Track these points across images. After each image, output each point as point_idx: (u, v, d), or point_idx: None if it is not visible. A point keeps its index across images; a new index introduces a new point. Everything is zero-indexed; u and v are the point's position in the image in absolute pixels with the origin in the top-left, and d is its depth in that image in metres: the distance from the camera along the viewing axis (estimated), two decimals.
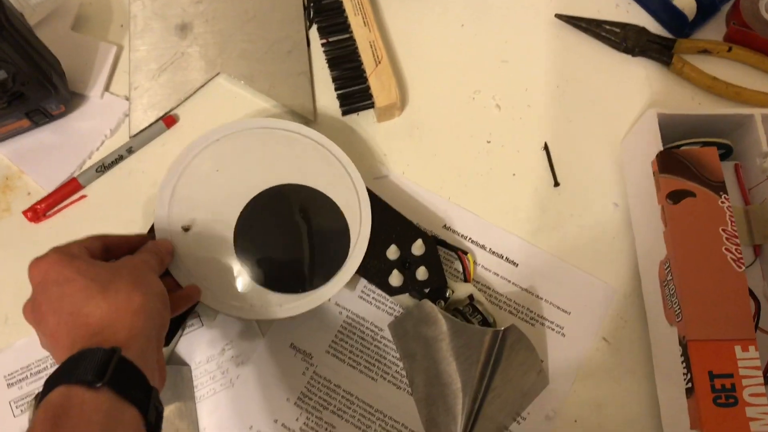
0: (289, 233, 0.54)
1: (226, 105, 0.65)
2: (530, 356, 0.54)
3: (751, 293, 0.53)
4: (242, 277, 0.53)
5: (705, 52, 0.66)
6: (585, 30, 0.68)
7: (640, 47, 0.66)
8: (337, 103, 0.64)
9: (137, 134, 0.63)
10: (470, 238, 0.61)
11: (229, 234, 0.54)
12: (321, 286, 0.53)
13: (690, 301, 0.51)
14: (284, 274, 0.53)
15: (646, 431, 0.56)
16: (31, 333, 0.56)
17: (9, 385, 0.56)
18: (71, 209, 0.62)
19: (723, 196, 0.53)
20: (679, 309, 0.52)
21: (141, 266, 0.46)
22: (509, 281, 0.60)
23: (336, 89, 0.64)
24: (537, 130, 0.64)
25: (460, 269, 0.59)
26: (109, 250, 0.49)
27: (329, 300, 0.57)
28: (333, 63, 0.65)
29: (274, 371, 0.57)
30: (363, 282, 0.59)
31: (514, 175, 0.63)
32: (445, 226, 0.61)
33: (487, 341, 0.51)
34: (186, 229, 0.54)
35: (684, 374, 0.51)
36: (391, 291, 0.54)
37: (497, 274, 0.60)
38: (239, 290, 0.52)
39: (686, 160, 0.55)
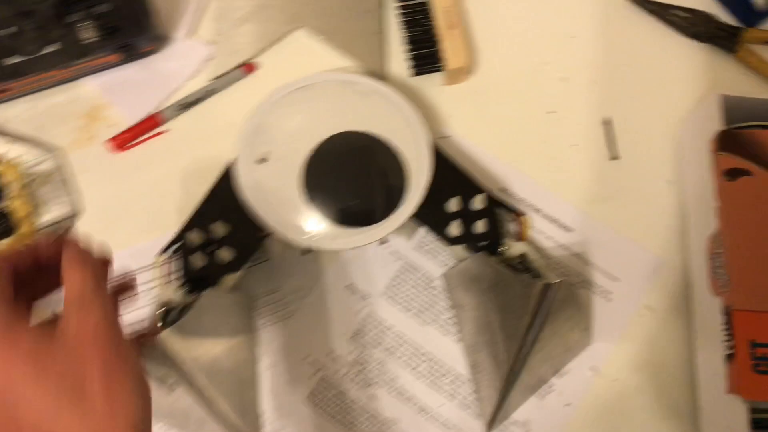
0: (353, 174, 0.57)
1: (302, 58, 0.68)
2: (577, 313, 0.56)
3: None
4: (307, 210, 0.56)
5: None
6: (654, 13, 0.69)
7: (707, 34, 0.68)
8: (406, 64, 0.67)
9: (218, 78, 0.67)
10: (526, 201, 0.64)
11: (299, 169, 0.57)
12: (378, 223, 0.56)
13: (738, 273, 0.53)
14: (346, 209, 0.56)
15: (682, 394, 0.58)
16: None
17: None
18: (152, 142, 0.65)
19: None
20: (726, 280, 0.54)
21: (104, 333, 0.35)
22: (561, 245, 0.62)
23: (408, 51, 0.67)
24: (600, 105, 0.67)
25: (515, 230, 0.61)
26: (21, 280, 0.37)
27: (385, 243, 0.60)
28: (407, 25, 0.68)
29: (331, 308, 0.60)
30: (420, 234, 0.62)
31: (574, 145, 0.65)
32: (502, 188, 0.64)
33: (537, 293, 0.53)
34: (262, 160, 0.57)
35: (725, 341, 0.53)
36: (449, 241, 0.57)
37: (550, 238, 0.63)
38: (304, 221, 0.56)
39: (745, 140, 0.57)
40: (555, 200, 0.63)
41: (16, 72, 0.62)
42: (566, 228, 0.63)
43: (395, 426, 0.57)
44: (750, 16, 0.68)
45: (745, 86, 0.66)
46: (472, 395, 0.58)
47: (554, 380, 0.59)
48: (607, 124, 0.66)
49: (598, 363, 0.59)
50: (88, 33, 0.58)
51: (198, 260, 0.56)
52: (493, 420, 0.57)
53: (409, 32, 0.67)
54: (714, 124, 0.58)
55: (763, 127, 0.58)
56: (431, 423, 0.58)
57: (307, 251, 0.60)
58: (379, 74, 0.66)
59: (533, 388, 0.58)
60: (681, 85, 0.67)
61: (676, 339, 0.60)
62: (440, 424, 0.58)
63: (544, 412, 0.58)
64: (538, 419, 0.58)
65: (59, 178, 0.64)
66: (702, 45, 0.69)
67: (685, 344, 0.59)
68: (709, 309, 0.56)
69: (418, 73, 0.67)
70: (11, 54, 0.60)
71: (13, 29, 0.57)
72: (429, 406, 0.58)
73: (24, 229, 0.61)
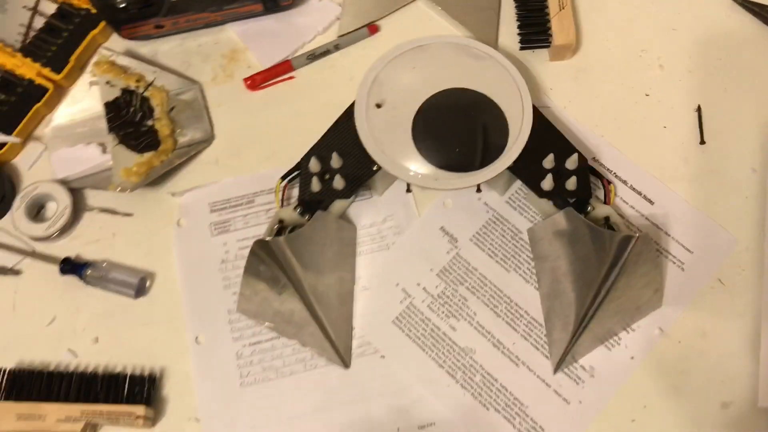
0: (458, 125, 0.64)
1: (422, 25, 0.76)
2: (653, 270, 0.61)
3: None
4: (414, 152, 0.63)
5: None
6: (756, 14, 0.74)
7: None
8: (516, 39, 0.73)
9: (344, 35, 0.75)
10: (615, 173, 0.69)
11: (411, 116, 0.64)
12: (477, 170, 0.62)
13: None
14: (449, 155, 0.63)
15: (742, 364, 0.62)
16: (236, 173, 0.69)
17: (211, 211, 0.69)
18: (281, 86, 0.74)
19: None
20: None
21: None
22: (643, 215, 0.67)
23: (519, 26, 0.73)
24: (693, 93, 0.71)
25: (602, 196, 0.66)
26: None
27: (480, 192, 0.67)
28: (521, 4, 0.74)
29: (423, 245, 0.67)
30: (512, 190, 0.68)
31: (664, 127, 0.70)
32: (594, 158, 0.69)
33: (616, 244, 0.59)
34: (378, 105, 0.64)
35: None
36: (541, 193, 0.63)
37: (633, 207, 0.67)
38: (410, 162, 0.62)
39: None
40: (642, 174, 0.68)
41: (174, 9, 0.71)
42: (649, 200, 0.68)
43: (471, 355, 0.63)
44: None
45: None
46: (544, 338, 0.63)
47: (623, 334, 0.63)
48: (698, 111, 0.70)
49: (665, 325, 0.63)
50: None
51: (315, 185, 0.64)
52: (561, 361, 0.62)
53: (522, 9, 0.73)
54: None
55: None
56: (504, 357, 0.63)
57: (409, 189, 0.67)
58: (492, 44, 0.73)
59: (602, 338, 0.63)
60: None
61: (743, 312, 0.63)
62: (512, 359, 0.63)
63: (610, 361, 0.63)
64: (603, 367, 0.63)
65: (198, 107, 0.73)
66: None
67: (750, 317, 0.63)
68: None
69: (526, 48, 0.73)
70: None
71: None
72: (503, 342, 0.64)
73: (165, 145, 0.70)
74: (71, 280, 0.66)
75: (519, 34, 0.73)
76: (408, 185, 0.66)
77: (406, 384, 0.63)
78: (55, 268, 0.66)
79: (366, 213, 0.68)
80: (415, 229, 0.67)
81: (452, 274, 0.66)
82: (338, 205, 0.66)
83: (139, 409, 0.61)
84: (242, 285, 0.62)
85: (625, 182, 0.68)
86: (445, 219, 0.68)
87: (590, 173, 0.64)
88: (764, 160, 0.68)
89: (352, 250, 0.67)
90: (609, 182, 0.66)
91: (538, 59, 0.73)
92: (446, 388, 0.62)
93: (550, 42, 0.71)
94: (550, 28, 0.71)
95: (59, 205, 0.68)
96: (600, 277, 0.60)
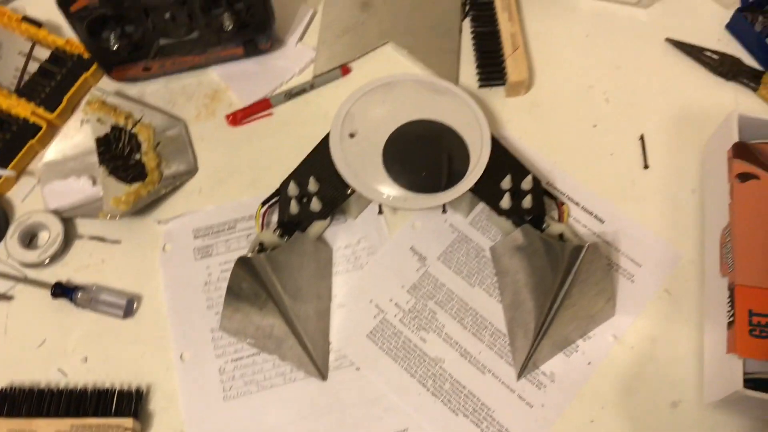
0: (424, 152, 0.70)
1: (389, 66, 0.83)
2: (603, 279, 0.67)
3: None
4: (385, 176, 0.68)
5: None
6: (688, 53, 0.82)
7: (734, 73, 0.80)
8: (475, 78, 0.80)
9: (318, 76, 0.82)
10: (567, 195, 0.75)
11: (381, 144, 0.70)
12: (442, 192, 0.68)
13: (742, 255, 0.63)
14: (416, 178, 0.68)
15: (689, 366, 0.67)
16: (218, 202, 0.74)
17: (195, 237, 0.74)
18: (261, 122, 0.80)
19: None
20: (732, 262, 0.64)
21: None
22: (594, 233, 0.73)
23: (477, 66, 0.81)
24: (636, 124, 0.78)
25: (557, 216, 0.72)
26: None
27: (446, 213, 0.72)
28: (478, 45, 0.81)
29: (394, 264, 0.72)
30: (474, 212, 0.74)
31: (611, 154, 0.77)
32: (548, 183, 0.76)
33: (569, 253, 0.64)
34: (351, 135, 0.70)
35: (728, 311, 0.63)
36: (500, 212, 0.69)
37: (585, 226, 0.74)
38: (381, 185, 0.68)
39: (756, 151, 0.68)
40: (592, 196, 0.75)
41: (161, 52, 0.77)
42: (600, 219, 0.74)
43: (440, 364, 0.68)
44: None
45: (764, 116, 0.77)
46: (507, 347, 0.68)
47: (580, 342, 0.68)
48: (642, 139, 0.77)
49: (618, 332, 0.69)
50: (226, 24, 0.73)
51: (293, 207, 0.69)
52: (524, 368, 0.67)
53: (480, 51, 0.81)
54: (733, 137, 0.69)
55: None
56: (471, 365, 0.68)
57: (381, 211, 0.73)
58: (453, 83, 0.80)
59: (560, 346, 0.68)
60: (709, 113, 0.79)
61: (688, 318, 0.69)
62: (478, 367, 0.68)
63: (569, 367, 0.68)
64: (562, 373, 0.67)
65: (183, 142, 0.78)
66: (729, 83, 0.81)
67: (694, 322, 0.69)
68: (718, 287, 0.66)
69: (484, 85, 0.80)
70: (162, 36, 0.75)
71: (169, 15, 0.72)
72: (470, 351, 0.68)
73: (152, 177, 0.75)
74: (62, 303, 0.70)
75: (477, 73, 0.80)
76: (380, 207, 0.71)
77: (381, 393, 0.67)
78: (46, 293, 0.70)
79: (341, 235, 0.74)
80: (387, 250, 0.73)
81: (422, 290, 0.71)
82: (315, 227, 0.71)
83: (127, 422, 0.64)
84: (224, 304, 0.66)
85: (577, 204, 0.75)
86: (415, 239, 0.73)
87: (544, 194, 0.71)
88: (702, 181, 0.75)
89: (328, 270, 0.72)
90: (562, 203, 0.72)
91: (495, 96, 0.80)
92: (418, 396, 0.67)
93: (506, 80, 0.79)
94: (505, 68, 0.79)
95: (51, 233, 0.72)
96: (555, 286, 0.65)
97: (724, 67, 0.80)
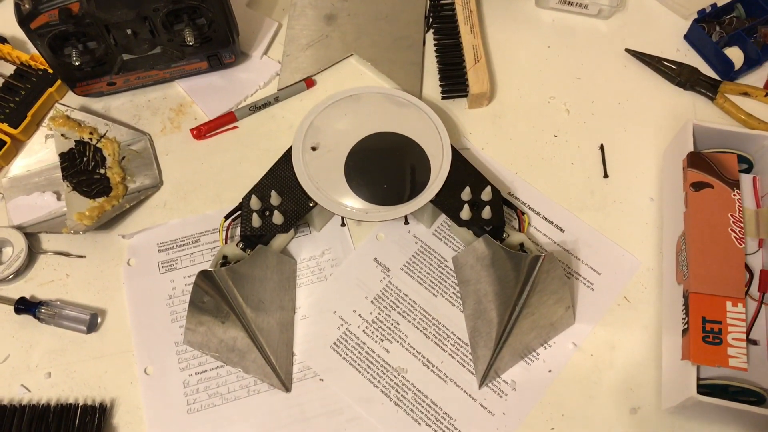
0: (386, 164, 0.71)
1: (354, 79, 0.83)
2: (562, 287, 0.68)
3: (747, 268, 0.65)
4: (347, 189, 0.69)
5: (745, 94, 0.81)
6: (647, 64, 0.83)
7: (691, 83, 0.81)
8: (438, 90, 0.81)
9: (283, 89, 0.82)
10: (528, 205, 0.76)
11: (344, 157, 0.71)
12: (404, 203, 0.69)
13: (696, 263, 0.65)
14: (378, 190, 0.69)
15: (647, 372, 0.68)
16: (182, 215, 0.74)
17: (159, 251, 0.74)
18: (225, 135, 0.80)
19: (735, 191, 0.67)
20: (686, 270, 0.65)
21: None
22: (554, 242, 0.74)
23: (440, 78, 0.82)
24: (596, 133, 0.80)
25: (517, 225, 0.73)
26: None
27: (407, 224, 0.73)
28: (441, 58, 0.82)
29: (358, 275, 0.73)
30: (437, 223, 0.75)
31: (572, 164, 0.78)
32: (509, 192, 0.77)
33: (527, 263, 0.65)
34: (314, 148, 0.71)
35: (683, 319, 0.64)
36: (460, 222, 0.70)
37: (546, 235, 0.75)
38: (344, 198, 0.69)
39: (710, 160, 0.69)
40: (553, 206, 0.76)
41: (125, 67, 0.77)
42: (560, 229, 0.75)
43: (403, 374, 0.69)
44: (729, 71, 0.81)
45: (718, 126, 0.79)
46: (469, 356, 0.69)
47: (540, 350, 0.69)
48: (601, 148, 0.79)
49: (578, 340, 0.70)
50: (188, 39, 0.74)
51: (255, 221, 0.69)
52: (485, 376, 0.68)
53: (442, 64, 0.82)
54: (688, 146, 0.70)
55: (725, 152, 0.71)
56: (433, 375, 0.69)
57: (344, 223, 0.73)
58: (417, 95, 0.81)
59: (521, 354, 0.69)
60: (667, 122, 0.80)
61: (647, 325, 0.70)
62: (441, 377, 0.68)
63: (530, 375, 0.69)
64: (524, 380, 0.68)
65: (148, 156, 0.79)
66: (687, 92, 0.82)
67: (653, 329, 0.70)
68: (674, 294, 0.67)
69: (447, 97, 0.81)
70: (125, 52, 0.76)
71: (130, 31, 0.73)
72: (432, 361, 0.69)
73: (116, 191, 0.75)
74: (26, 319, 0.70)
75: (440, 85, 0.81)
76: (342, 219, 0.72)
77: (344, 404, 0.67)
78: (10, 309, 0.70)
79: (305, 247, 0.74)
80: (350, 261, 0.73)
81: (385, 301, 0.72)
82: (279, 240, 0.71)
83: None
84: (188, 318, 0.67)
85: (538, 213, 0.76)
86: (378, 251, 0.74)
87: (504, 204, 0.71)
88: (660, 190, 0.76)
89: (292, 282, 0.72)
90: (522, 212, 0.73)
91: (458, 107, 0.81)
92: (381, 406, 0.67)
93: (468, 91, 0.80)
94: (467, 80, 0.80)
95: (15, 249, 0.72)
96: (515, 295, 0.66)
97: (682, 77, 0.82)
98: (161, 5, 0.70)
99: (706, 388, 0.61)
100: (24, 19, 0.68)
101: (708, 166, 0.69)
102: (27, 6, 0.67)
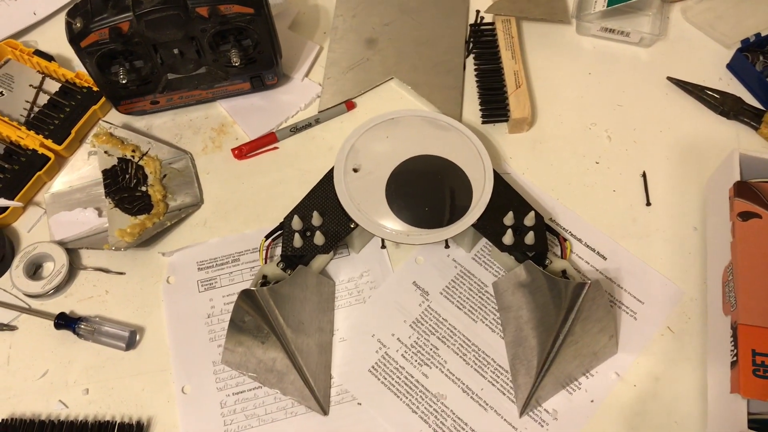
0: (426, 186, 0.70)
1: (393, 102, 0.84)
2: (606, 317, 0.67)
3: None
4: (388, 211, 0.69)
5: None
6: (690, 92, 0.83)
7: (735, 112, 0.81)
8: (478, 114, 0.81)
9: (324, 111, 0.83)
10: (570, 231, 0.75)
11: (385, 179, 0.71)
12: (445, 227, 0.68)
13: (745, 294, 0.63)
14: (419, 213, 0.69)
15: (693, 404, 0.67)
16: (222, 234, 0.75)
17: (199, 269, 0.74)
18: (266, 155, 0.81)
19: None
20: (734, 301, 0.64)
21: None
22: (597, 270, 0.73)
23: (480, 102, 0.82)
24: (638, 161, 0.79)
25: (559, 252, 0.73)
26: None
27: (448, 248, 0.73)
28: (481, 82, 0.83)
29: (397, 298, 0.72)
30: (477, 247, 0.74)
31: (614, 191, 0.78)
32: (551, 219, 0.76)
33: (571, 290, 0.64)
34: (355, 170, 0.71)
35: (731, 351, 0.63)
36: (503, 248, 0.69)
37: (588, 263, 0.74)
38: (384, 220, 0.68)
39: (758, 190, 0.68)
40: (595, 233, 0.75)
41: (169, 86, 0.78)
42: (602, 256, 0.74)
43: (442, 401, 0.68)
44: None
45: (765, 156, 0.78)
46: (510, 384, 0.68)
47: (582, 379, 0.68)
48: (644, 176, 0.78)
49: (621, 370, 0.69)
50: (234, 60, 0.74)
51: (297, 241, 0.69)
52: (526, 405, 0.67)
53: (483, 88, 0.82)
54: (734, 176, 0.69)
55: None
56: (473, 402, 0.68)
57: (384, 245, 0.73)
58: (457, 119, 0.80)
59: (563, 383, 0.68)
60: (710, 151, 0.79)
61: (691, 356, 0.69)
62: (481, 404, 0.67)
63: (572, 405, 0.67)
64: (565, 410, 0.67)
65: (189, 174, 0.79)
66: (730, 122, 0.81)
67: (698, 360, 0.68)
68: (721, 326, 0.66)
69: (487, 122, 0.81)
70: (170, 71, 0.77)
71: (177, 50, 0.74)
72: (472, 388, 0.68)
73: (158, 209, 0.75)
74: (65, 334, 0.70)
75: (481, 109, 0.81)
76: (382, 241, 0.72)
77: (382, 429, 0.67)
78: (49, 324, 0.70)
79: (344, 269, 0.74)
80: (389, 284, 0.73)
81: (424, 325, 0.71)
82: (318, 261, 0.71)
83: None
84: (227, 337, 0.66)
85: (580, 240, 0.75)
86: (417, 274, 0.73)
87: (547, 230, 0.71)
88: (704, 219, 0.75)
89: (331, 304, 0.72)
90: (564, 239, 0.73)
91: (498, 132, 0.81)
92: None
93: (509, 116, 0.79)
94: (508, 104, 0.80)
95: (56, 264, 0.72)
96: (558, 323, 0.65)
97: (725, 106, 0.81)
98: (209, 26, 0.71)
99: (755, 423, 0.60)
100: (75, 38, 0.69)
101: (755, 195, 0.68)
102: (78, 25, 0.68)
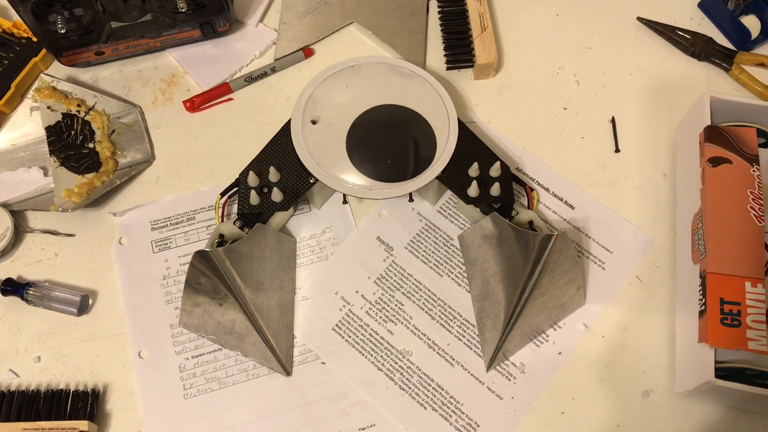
0: (390, 139, 0.67)
1: (354, 48, 0.80)
2: (573, 268, 0.65)
3: (767, 247, 0.63)
4: (349, 165, 0.66)
5: (762, 65, 0.77)
6: (660, 33, 0.80)
7: (706, 53, 0.78)
8: (442, 60, 0.78)
9: (280, 58, 0.78)
10: (537, 181, 0.73)
11: (345, 131, 0.67)
12: (408, 180, 0.66)
13: (714, 242, 0.62)
14: (382, 166, 0.66)
15: (661, 354, 0.66)
16: (176, 192, 0.71)
17: (152, 229, 0.71)
18: (220, 107, 0.77)
19: (755, 166, 0.64)
20: (704, 249, 0.62)
21: None
22: (564, 219, 0.71)
23: (444, 48, 0.78)
24: (607, 106, 0.77)
25: (525, 202, 0.71)
26: None
27: (412, 201, 0.70)
28: (445, 26, 0.79)
29: (361, 255, 0.70)
30: (442, 199, 0.72)
31: (582, 138, 0.75)
32: (518, 168, 0.74)
33: (538, 242, 0.63)
34: (314, 122, 0.68)
35: (699, 300, 0.62)
36: (468, 200, 0.67)
37: (555, 213, 0.72)
38: (345, 174, 0.66)
39: (728, 134, 0.66)
40: (562, 181, 0.73)
41: (114, 36, 0.73)
42: (570, 206, 0.72)
43: (408, 357, 0.66)
44: (745, 41, 0.78)
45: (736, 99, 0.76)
46: (476, 338, 0.67)
47: (550, 331, 0.67)
48: (612, 122, 0.76)
49: (589, 321, 0.67)
50: (180, 5, 0.70)
51: (253, 198, 0.66)
52: (493, 359, 0.65)
53: (447, 32, 0.78)
54: (705, 120, 0.67)
55: (744, 125, 0.68)
56: (439, 357, 0.66)
57: (345, 201, 0.70)
58: (420, 65, 0.77)
59: (531, 336, 0.66)
60: (680, 94, 0.77)
61: (660, 306, 0.68)
62: (447, 359, 0.66)
63: (539, 357, 0.66)
64: (533, 363, 0.66)
65: (139, 129, 0.75)
66: (701, 63, 0.79)
67: (666, 310, 0.67)
68: (689, 274, 0.64)
69: (452, 68, 0.77)
70: (113, 19, 0.72)
71: None
72: (438, 343, 0.67)
73: (106, 167, 0.71)
74: (13, 300, 0.67)
75: (445, 55, 0.78)
76: (344, 196, 0.69)
77: (347, 388, 0.65)
78: None
79: (305, 226, 0.71)
80: (352, 240, 0.70)
81: (389, 281, 0.69)
82: (278, 218, 0.68)
83: (83, 425, 0.62)
84: (183, 299, 0.64)
85: (547, 189, 0.73)
86: (381, 229, 0.71)
87: (513, 180, 0.68)
88: (673, 165, 0.74)
89: (292, 262, 0.69)
90: (532, 189, 0.70)
91: (463, 78, 0.78)
92: (385, 390, 0.65)
93: (474, 62, 0.76)
94: (473, 49, 0.76)
95: (0, 228, 0.69)
96: (525, 275, 0.64)
97: (696, 47, 0.78)
98: None
99: (722, 372, 0.59)
100: None
101: (726, 140, 0.66)
102: None
